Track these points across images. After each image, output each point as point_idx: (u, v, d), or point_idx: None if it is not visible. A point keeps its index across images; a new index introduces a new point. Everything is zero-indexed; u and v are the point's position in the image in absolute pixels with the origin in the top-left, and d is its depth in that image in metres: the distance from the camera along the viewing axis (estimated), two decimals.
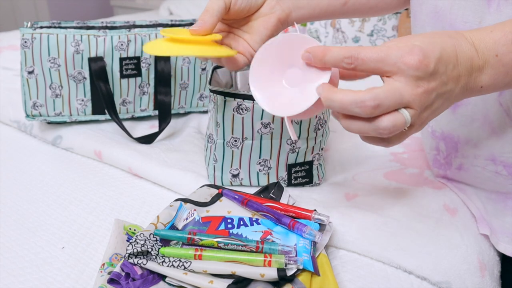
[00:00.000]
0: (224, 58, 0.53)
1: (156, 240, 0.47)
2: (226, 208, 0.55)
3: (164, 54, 0.48)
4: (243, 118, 0.59)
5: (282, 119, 0.59)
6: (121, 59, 0.79)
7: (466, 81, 0.41)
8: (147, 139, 0.77)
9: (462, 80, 0.40)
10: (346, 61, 0.40)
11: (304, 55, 0.44)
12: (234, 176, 0.64)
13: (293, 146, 0.62)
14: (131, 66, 0.80)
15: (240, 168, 0.63)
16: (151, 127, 0.85)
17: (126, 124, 0.83)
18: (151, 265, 0.45)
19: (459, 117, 0.58)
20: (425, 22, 0.57)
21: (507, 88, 0.44)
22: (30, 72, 0.76)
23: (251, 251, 0.46)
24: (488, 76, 0.41)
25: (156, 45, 0.49)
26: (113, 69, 0.79)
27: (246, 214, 0.54)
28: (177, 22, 0.90)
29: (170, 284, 0.45)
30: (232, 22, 0.56)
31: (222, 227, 0.51)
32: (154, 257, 0.45)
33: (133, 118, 0.86)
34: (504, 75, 0.41)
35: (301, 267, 0.45)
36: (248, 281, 0.44)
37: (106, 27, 0.81)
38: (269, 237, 0.49)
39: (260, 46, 0.51)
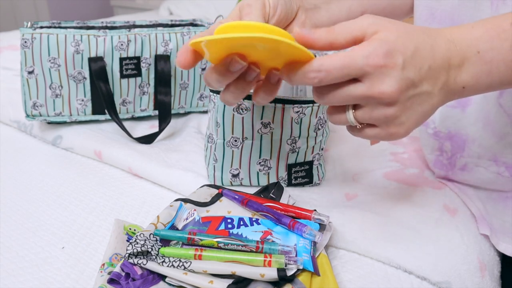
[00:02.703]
0: (268, 89, 0.43)
1: (156, 240, 0.47)
2: (226, 208, 0.55)
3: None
4: (243, 118, 0.59)
5: (282, 118, 0.59)
6: (121, 59, 0.79)
7: (445, 81, 0.39)
8: (147, 139, 0.77)
9: (440, 80, 0.39)
10: (310, 76, 0.37)
11: (280, 71, 0.40)
12: (234, 176, 0.64)
13: (293, 146, 0.62)
14: (131, 66, 0.80)
15: (240, 168, 0.63)
16: (151, 127, 0.85)
17: (126, 124, 0.83)
18: (151, 265, 0.45)
19: (468, 116, 0.58)
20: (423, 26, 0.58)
21: (491, 90, 0.41)
22: (30, 72, 0.76)
23: (251, 251, 0.46)
24: (469, 75, 0.39)
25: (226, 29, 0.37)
26: (113, 69, 0.79)
27: (246, 214, 0.54)
28: (177, 22, 0.90)
29: (170, 284, 0.45)
30: None
31: (222, 227, 0.51)
32: (154, 257, 0.45)
33: (133, 118, 0.86)
34: (487, 74, 0.39)
35: (301, 267, 0.45)
36: (248, 281, 0.44)
37: (106, 27, 0.81)
38: (269, 237, 0.49)
39: None
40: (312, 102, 0.59)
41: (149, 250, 0.45)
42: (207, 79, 0.41)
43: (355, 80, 0.37)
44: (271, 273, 0.43)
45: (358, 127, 0.41)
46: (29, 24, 0.76)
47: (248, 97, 0.58)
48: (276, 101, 0.58)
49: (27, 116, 0.78)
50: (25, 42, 0.74)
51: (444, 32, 0.39)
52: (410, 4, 0.65)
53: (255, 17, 0.43)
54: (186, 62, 0.40)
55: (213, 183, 0.64)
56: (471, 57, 0.39)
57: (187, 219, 0.52)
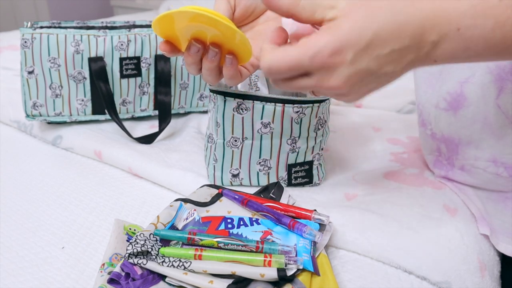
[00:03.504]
0: (228, 71, 0.49)
1: (156, 240, 0.47)
2: (226, 208, 0.55)
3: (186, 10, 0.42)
4: (243, 118, 0.59)
5: (283, 115, 0.59)
6: (121, 59, 0.79)
7: (413, 58, 0.37)
8: (147, 139, 0.77)
9: (407, 59, 0.37)
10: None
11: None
12: (234, 176, 0.64)
13: (293, 146, 0.62)
14: (131, 66, 0.80)
15: (240, 168, 0.63)
16: (151, 127, 0.85)
17: (126, 124, 0.83)
18: (151, 265, 0.45)
19: (460, 119, 0.58)
20: None
21: (466, 62, 0.40)
22: (30, 72, 0.76)
23: (251, 251, 0.46)
24: (445, 51, 0.37)
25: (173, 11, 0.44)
26: (113, 69, 0.79)
27: (246, 214, 0.54)
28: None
29: (170, 284, 0.45)
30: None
31: (222, 227, 0.51)
32: (154, 257, 0.45)
33: (133, 118, 0.86)
34: (463, 50, 0.37)
35: (301, 267, 0.45)
36: (248, 281, 0.44)
37: (106, 27, 0.81)
38: (269, 237, 0.49)
39: None
40: (312, 102, 0.59)
41: (149, 250, 0.45)
42: (186, 66, 0.50)
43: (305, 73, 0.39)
44: (271, 273, 0.43)
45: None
46: (29, 24, 0.76)
47: (248, 97, 0.58)
48: (276, 101, 0.58)
49: (27, 116, 0.78)
50: (25, 42, 0.74)
51: (423, 4, 0.36)
52: None
53: (221, 3, 0.49)
54: (163, 48, 0.48)
55: (213, 183, 0.64)
56: (450, 33, 0.36)
57: (187, 219, 0.52)
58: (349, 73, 0.37)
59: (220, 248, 0.47)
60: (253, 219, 0.53)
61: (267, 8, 0.39)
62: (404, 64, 0.38)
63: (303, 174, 0.64)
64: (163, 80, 0.82)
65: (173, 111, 0.86)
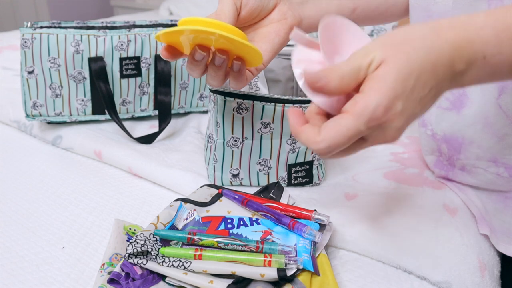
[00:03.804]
0: (235, 76, 0.48)
1: (156, 240, 0.47)
2: (226, 208, 0.55)
3: (194, 26, 0.41)
4: (243, 118, 0.59)
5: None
6: (121, 59, 0.79)
7: (447, 89, 0.38)
8: (147, 139, 0.77)
9: (441, 91, 0.38)
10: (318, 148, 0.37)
11: (299, 75, 0.40)
12: (234, 176, 0.64)
13: (293, 146, 0.62)
14: (131, 66, 0.80)
15: (240, 168, 0.63)
16: (151, 127, 0.85)
17: (126, 124, 0.83)
18: (151, 265, 0.45)
19: (464, 118, 0.58)
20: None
21: (488, 83, 0.41)
22: (30, 72, 0.76)
23: (251, 251, 0.46)
24: (472, 78, 0.38)
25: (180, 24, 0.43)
26: (113, 69, 0.79)
27: (246, 214, 0.54)
28: (177, 22, 0.90)
29: (170, 284, 0.45)
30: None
31: (222, 227, 0.51)
32: (154, 257, 0.45)
33: (133, 118, 0.86)
34: (489, 75, 0.38)
35: (301, 267, 0.45)
36: (248, 281, 0.44)
37: (106, 27, 0.81)
38: (269, 237, 0.49)
39: (270, 56, 0.49)
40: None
41: (149, 250, 0.45)
42: (187, 69, 0.48)
43: None
44: (271, 273, 0.43)
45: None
46: (29, 24, 0.76)
47: (248, 97, 0.58)
48: (276, 101, 0.58)
49: (27, 116, 0.78)
50: (25, 42, 0.74)
51: (448, 38, 0.37)
52: (404, 5, 0.63)
53: (226, 3, 0.47)
54: (164, 55, 0.48)
55: (213, 183, 0.64)
56: (476, 62, 0.37)
57: (187, 219, 0.52)
58: (401, 123, 0.36)
59: (220, 248, 0.47)
60: (253, 219, 0.53)
61: (318, 91, 0.37)
62: (438, 95, 0.38)
63: (303, 174, 0.64)
64: (163, 80, 0.82)
65: (173, 111, 0.86)
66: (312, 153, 0.64)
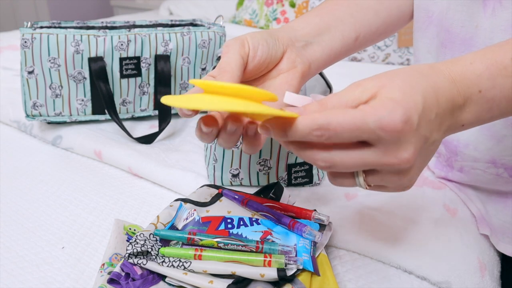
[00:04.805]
0: (247, 140, 0.43)
1: (156, 240, 0.47)
2: (226, 208, 0.55)
3: (203, 108, 0.33)
4: None
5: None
6: (121, 59, 0.79)
7: (449, 124, 0.37)
8: (147, 139, 0.77)
9: (445, 124, 0.36)
10: (316, 134, 0.33)
11: (261, 127, 0.36)
12: (234, 176, 0.64)
13: None
14: (131, 66, 0.80)
15: (240, 168, 0.63)
16: (151, 127, 0.85)
17: (126, 124, 0.83)
18: (151, 265, 0.45)
19: None
20: (421, 29, 0.58)
21: (489, 121, 0.40)
22: (30, 72, 0.76)
23: (251, 251, 0.46)
24: (471, 114, 0.37)
25: (188, 98, 0.36)
26: (113, 69, 0.79)
27: (246, 214, 0.54)
28: (177, 22, 0.90)
29: (170, 284, 0.45)
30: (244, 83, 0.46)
31: (222, 227, 0.51)
32: (154, 257, 0.45)
33: (133, 118, 0.86)
34: (488, 111, 0.38)
35: (301, 267, 0.45)
36: (248, 281, 0.44)
37: (106, 27, 0.81)
38: (269, 237, 0.49)
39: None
40: None
41: (149, 250, 0.45)
42: (196, 136, 0.42)
43: (364, 142, 0.34)
44: (271, 273, 0.43)
45: (365, 188, 0.37)
46: (29, 24, 0.76)
47: None
48: None
49: (27, 116, 0.78)
50: (25, 42, 0.74)
51: (442, 71, 0.37)
52: (402, 20, 0.62)
53: (232, 56, 0.42)
54: (184, 115, 0.41)
55: (213, 183, 0.64)
56: (473, 96, 0.36)
57: (187, 219, 0.52)
58: (416, 141, 0.33)
59: (220, 248, 0.47)
60: (253, 219, 0.53)
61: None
62: (443, 131, 0.36)
63: (303, 174, 0.64)
64: (163, 80, 0.82)
65: (173, 111, 0.86)
66: None
